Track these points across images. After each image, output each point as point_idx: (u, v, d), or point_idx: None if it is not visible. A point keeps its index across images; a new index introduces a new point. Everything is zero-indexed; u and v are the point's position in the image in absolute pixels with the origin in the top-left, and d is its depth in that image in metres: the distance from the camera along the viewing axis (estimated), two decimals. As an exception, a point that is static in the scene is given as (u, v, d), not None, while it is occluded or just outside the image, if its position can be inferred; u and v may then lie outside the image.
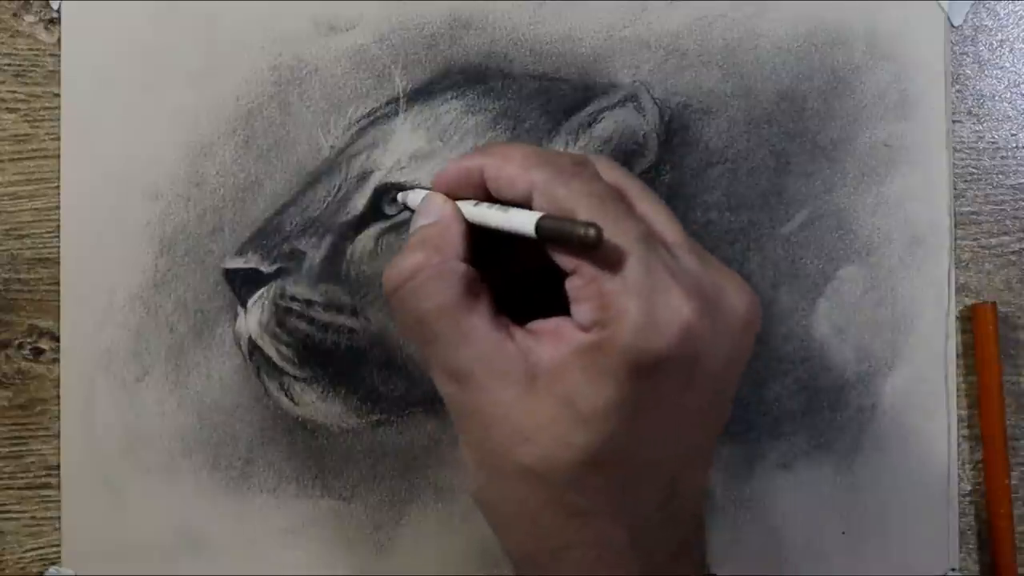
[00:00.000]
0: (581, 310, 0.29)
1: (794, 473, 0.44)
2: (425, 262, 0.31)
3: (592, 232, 0.28)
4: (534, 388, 0.29)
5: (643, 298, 0.28)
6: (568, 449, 0.29)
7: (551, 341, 0.30)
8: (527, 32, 0.44)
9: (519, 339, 0.30)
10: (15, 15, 0.44)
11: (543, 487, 0.30)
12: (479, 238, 0.33)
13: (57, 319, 0.44)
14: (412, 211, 0.36)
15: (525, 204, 0.31)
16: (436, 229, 0.33)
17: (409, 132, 0.44)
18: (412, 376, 0.43)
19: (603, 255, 0.29)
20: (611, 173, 0.33)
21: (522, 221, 0.30)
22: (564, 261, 0.30)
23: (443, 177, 0.34)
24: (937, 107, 0.45)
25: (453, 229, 0.32)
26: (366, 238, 0.43)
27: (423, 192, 0.35)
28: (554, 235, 0.29)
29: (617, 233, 0.29)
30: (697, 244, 0.32)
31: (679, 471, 0.31)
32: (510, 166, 0.32)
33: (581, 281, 0.29)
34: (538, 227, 0.30)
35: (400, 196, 0.39)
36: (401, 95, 0.44)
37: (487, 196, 0.33)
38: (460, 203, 0.33)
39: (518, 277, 0.33)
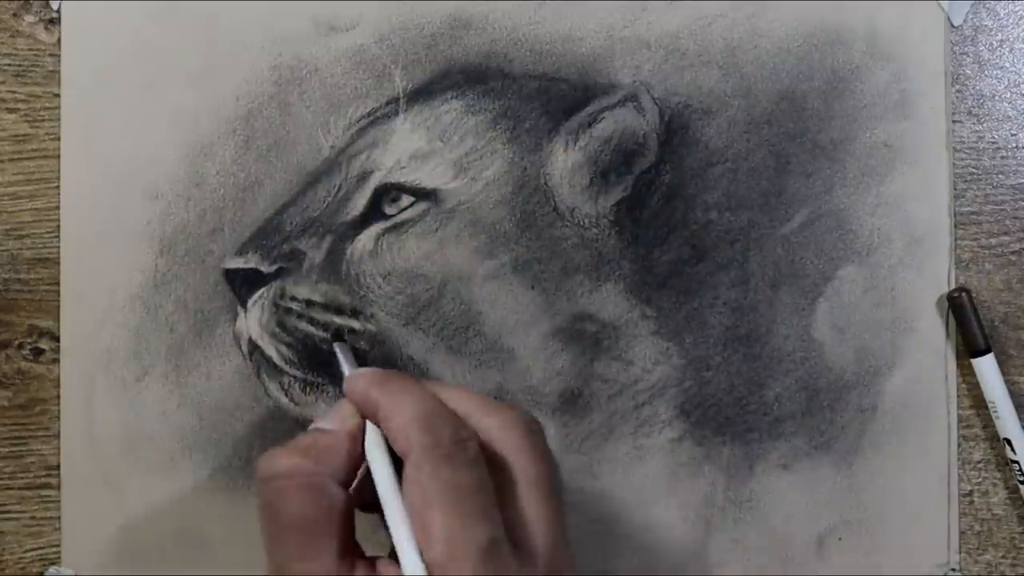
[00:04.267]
0: None
1: (794, 473, 0.44)
2: (302, 469, 0.32)
3: None
4: None
5: None
6: None
7: None
8: (527, 32, 0.44)
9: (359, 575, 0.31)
10: (15, 15, 0.44)
11: None
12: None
13: (57, 319, 0.44)
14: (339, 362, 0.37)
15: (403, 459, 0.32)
16: (327, 440, 0.33)
17: (409, 132, 0.44)
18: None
19: (443, 552, 0.29)
20: (508, 444, 0.33)
21: (392, 513, 0.31)
22: (416, 534, 0.30)
23: (353, 391, 0.34)
24: (937, 107, 0.45)
25: (342, 448, 0.33)
26: (366, 238, 0.43)
27: (349, 370, 0.36)
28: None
29: (460, 537, 0.29)
30: (567, 551, 0.32)
31: None
32: (397, 418, 0.32)
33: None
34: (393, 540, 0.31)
35: (337, 348, 0.40)
36: (401, 95, 0.44)
37: None
38: (370, 431, 0.33)
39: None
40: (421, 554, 0.30)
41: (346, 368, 0.38)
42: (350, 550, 0.32)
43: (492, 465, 0.32)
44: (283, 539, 0.31)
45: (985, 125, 0.45)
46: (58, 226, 0.44)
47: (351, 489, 0.33)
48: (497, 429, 0.33)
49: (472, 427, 0.33)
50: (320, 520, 0.31)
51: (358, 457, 0.33)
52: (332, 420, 0.34)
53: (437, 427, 0.31)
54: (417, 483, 0.30)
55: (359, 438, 0.33)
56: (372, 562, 0.32)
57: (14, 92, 0.44)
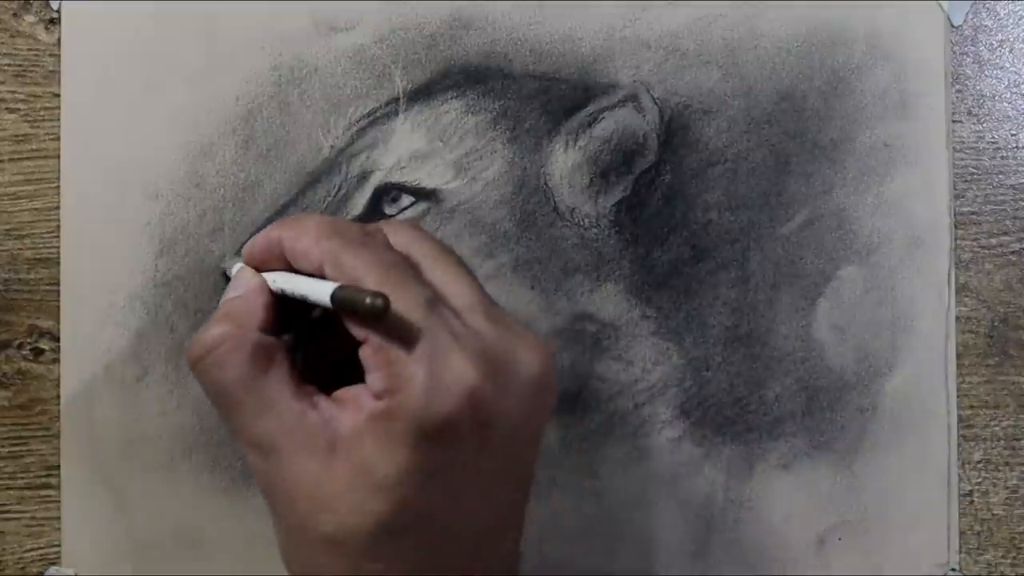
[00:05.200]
0: (373, 378, 0.30)
1: (794, 473, 0.44)
2: (226, 334, 0.32)
3: (379, 302, 0.29)
4: (333, 457, 0.30)
5: (427, 364, 0.29)
6: (364, 516, 0.29)
7: (350, 409, 0.30)
8: (527, 32, 0.44)
9: (322, 408, 0.31)
10: (15, 15, 0.44)
11: (343, 555, 0.30)
12: (291, 311, 0.33)
13: (57, 319, 0.44)
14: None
15: (320, 275, 0.32)
16: (240, 302, 0.33)
17: (409, 132, 0.44)
18: (412, 376, 0.43)
19: (389, 323, 0.30)
20: (403, 239, 0.33)
21: (318, 291, 0.31)
22: (356, 330, 0.30)
23: (251, 249, 0.34)
24: (937, 107, 0.45)
25: (256, 301, 0.33)
26: (366, 238, 0.43)
27: (238, 265, 0.35)
28: (347, 305, 0.30)
29: (402, 300, 0.30)
30: (493, 305, 0.32)
31: (483, 536, 0.31)
32: (304, 238, 0.32)
33: (371, 349, 0.30)
34: (333, 297, 0.30)
35: (224, 265, 0.41)
36: (401, 95, 0.44)
37: (292, 268, 0.33)
38: (267, 275, 0.34)
39: (330, 348, 0.34)
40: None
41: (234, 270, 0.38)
42: (305, 392, 0.31)
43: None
44: (235, 406, 0.31)
45: (985, 125, 0.45)
46: (58, 226, 0.44)
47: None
48: (391, 233, 0.33)
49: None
50: (262, 374, 0.31)
51: (274, 307, 0.33)
52: (235, 288, 0.34)
53: (344, 228, 0.32)
54: (341, 273, 0.31)
55: (267, 289, 0.33)
56: (331, 396, 0.32)
57: (14, 92, 0.44)
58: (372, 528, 0.29)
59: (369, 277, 0.30)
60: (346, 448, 0.30)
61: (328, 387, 0.32)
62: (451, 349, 0.29)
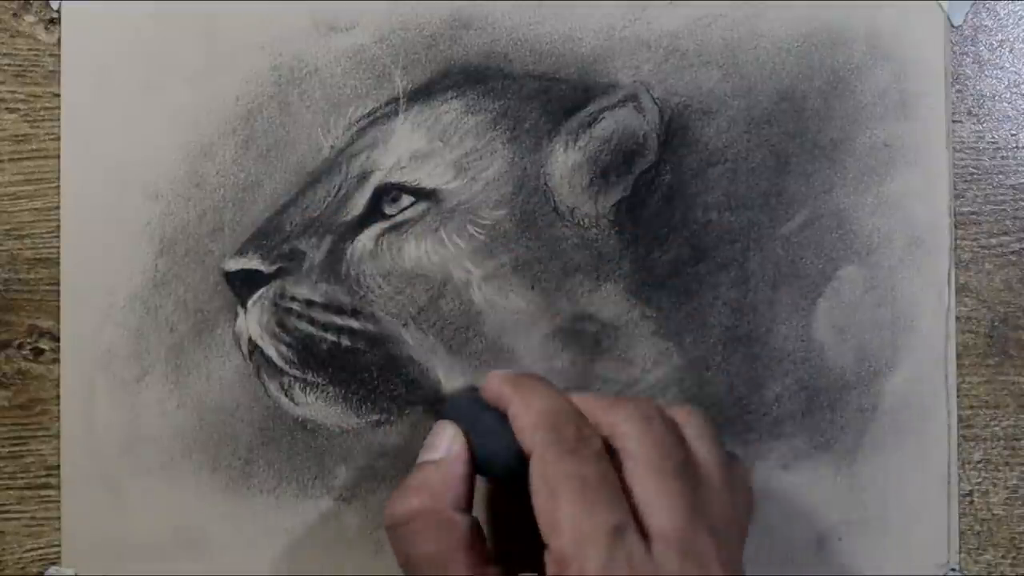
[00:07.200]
0: None
1: (794, 473, 0.44)
2: (421, 508, 0.33)
3: None
4: None
5: None
6: None
7: None
8: (527, 32, 0.44)
9: None
10: (15, 15, 0.44)
11: None
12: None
13: (57, 319, 0.44)
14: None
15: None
16: (438, 472, 0.34)
17: (409, 132, 0.44)
18: (412, 376, 0.43)
19: (571, 540, 0.30)
20: (630, 428, 0.33)
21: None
22: (543, 532, 0.31)
23: (493, 387, 0.35)
24: (937, 107, 0.45)
25: (454, 472, 0.34)
26: (366, 238, 0.43)
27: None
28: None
29: (588, 524, 0.30)
30: (696, 532, 0.32)
31: None
32: (524, 417, 0.33)
33: (551, 560, 0.31)
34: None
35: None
36: (401, 95, 0.44)
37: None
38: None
39: (521, 520, 0.34)
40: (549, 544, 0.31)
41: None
42: (482, 571, 0.33)
43: (619, 456, 0.33)
44: None
45: (985, 125, 0.45)
46: (58, 226, 0.44)
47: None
48: (620, 422, 0.34)
49: (597, 425, 0.34)
50: (448, 553, 0.32)
51: (472, 476, 0.34)
52: (437, 449, 0.35)
53: (562, 424, 0.33)
54: (542, 476, 0.32)
55: (467, 458, 0.34)
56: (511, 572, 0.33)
57: (14, 92, 0.44)
58: None
59: (562, 490, 0.31)
60: None
61: (522, 558, 0.33)
62: None
